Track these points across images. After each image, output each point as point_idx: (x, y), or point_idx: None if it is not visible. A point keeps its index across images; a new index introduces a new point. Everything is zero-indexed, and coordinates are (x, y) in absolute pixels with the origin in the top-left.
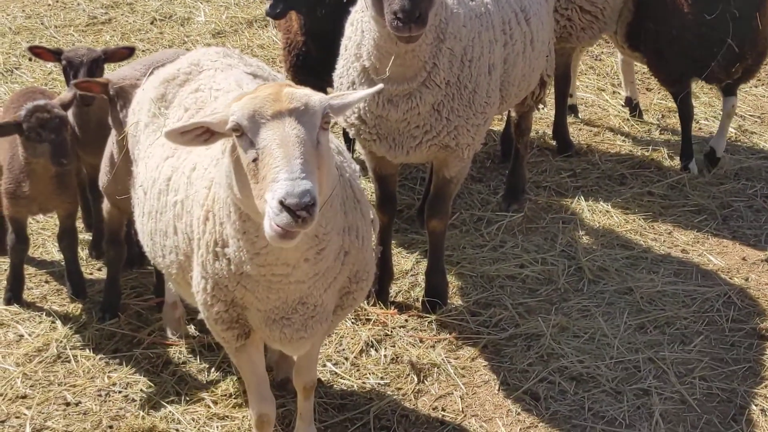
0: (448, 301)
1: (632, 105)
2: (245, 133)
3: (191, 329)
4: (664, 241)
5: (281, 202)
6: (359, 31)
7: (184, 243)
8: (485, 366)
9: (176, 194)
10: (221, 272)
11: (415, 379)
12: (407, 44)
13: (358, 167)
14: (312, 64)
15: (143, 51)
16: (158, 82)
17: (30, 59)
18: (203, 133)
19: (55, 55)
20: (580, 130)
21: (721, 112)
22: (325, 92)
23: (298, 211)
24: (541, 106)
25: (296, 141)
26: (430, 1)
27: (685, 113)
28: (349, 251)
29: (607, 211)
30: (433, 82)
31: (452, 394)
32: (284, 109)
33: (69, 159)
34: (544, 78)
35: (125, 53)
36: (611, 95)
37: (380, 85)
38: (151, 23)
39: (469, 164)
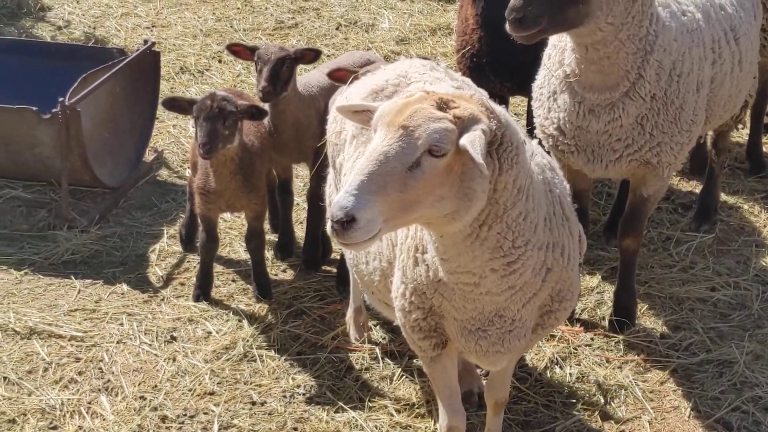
0: (636, 321)
1: None
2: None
3: (374, 335)
4: None
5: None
6: (564, 36)
7: (388, 249)
8: (675, 391)
9: None
10: (420, 278)
11: (602, 400)
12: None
13: (568, 186)
14: (488, 64)
15: (328, 56)
16: (366, 93)
17: (220, 60)
18: None
19: (251, 52)
20: None
21: None
22: (504, 100)
23: (332, 223)
24: (740, 126)
25: (376, 158)
26: (546, 6)
27: None
28: (552, 268)
29: None
30: (638, 94)
31: (640, 418)
32: (394, 124)
33: (210, 149)
34: (747, 99)
35: (311, 55)
36: None
37: None
38: (337, 29)
39: (667, 183)
